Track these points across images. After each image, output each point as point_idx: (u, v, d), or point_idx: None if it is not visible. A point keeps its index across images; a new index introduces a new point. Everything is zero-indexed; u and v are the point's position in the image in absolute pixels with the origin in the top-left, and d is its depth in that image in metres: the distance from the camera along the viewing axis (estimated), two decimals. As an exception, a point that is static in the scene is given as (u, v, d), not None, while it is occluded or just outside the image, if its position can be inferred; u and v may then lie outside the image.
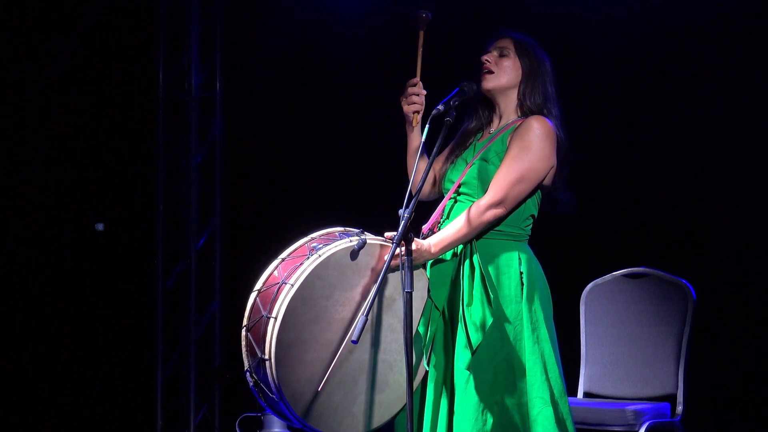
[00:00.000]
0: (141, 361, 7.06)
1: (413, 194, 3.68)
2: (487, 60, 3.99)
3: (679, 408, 4.92)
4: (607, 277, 5.23)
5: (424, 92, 4.03)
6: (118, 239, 7.11)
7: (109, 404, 7.00)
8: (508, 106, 4.02)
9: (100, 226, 7.08)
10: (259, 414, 6.45)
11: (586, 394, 5.14)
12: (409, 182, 3.84)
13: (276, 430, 6.40)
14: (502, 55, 3.99)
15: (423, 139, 3.89)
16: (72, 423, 6.93)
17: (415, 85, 4.03)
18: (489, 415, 3.77)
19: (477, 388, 3.77)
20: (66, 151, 7.04)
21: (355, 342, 3.51)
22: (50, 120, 7.00)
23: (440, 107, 3.87)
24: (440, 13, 6.47)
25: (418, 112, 4.04)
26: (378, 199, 5.14)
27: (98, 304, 7.04)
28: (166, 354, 7.08)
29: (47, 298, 6.96)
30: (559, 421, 3.82)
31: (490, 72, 3.98)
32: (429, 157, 3.90)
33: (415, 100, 4.03)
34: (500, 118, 4.04)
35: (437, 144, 3.85)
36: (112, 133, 7.09)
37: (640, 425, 4.74)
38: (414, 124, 4.05)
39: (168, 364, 7.09)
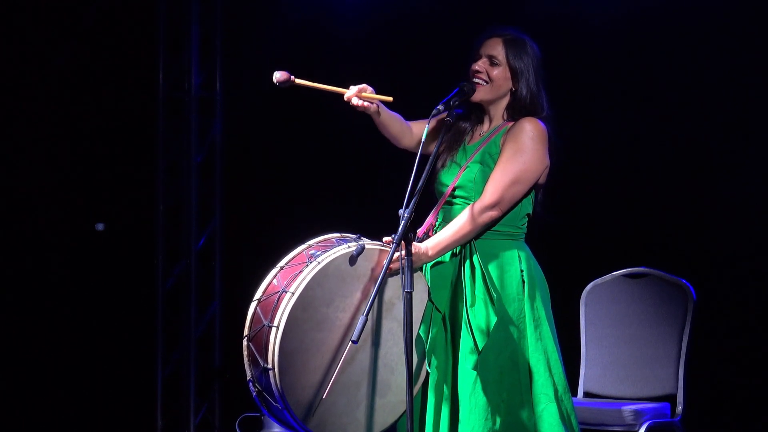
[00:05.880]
0: (141, 361, 7.05)
1: (413, 194, 3.68)
2: (478, 70, 3.97)
3: (679, 408, 4.92)
4: (607, 277, 5.23)
5: (360, 86, 3.92)
6: (118, 239, 7.11)
7: (109, 404, 6.99)
8: (498, 110, 4.02)
9: (100, 226, 7.08)
10: (259, 414, 6.45)
11: (586, 394, 5.15)
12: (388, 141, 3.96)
13: (276, 430, 6.40)
14: (493, 64, 3.97)
15: (423, 139, 3.88)
16: (72, 423, 6.93)
17: (356, 93, 3.91)
18: (497, 414, 3.78)
19: (484, 388, 3.78)
20: (66, 151, 7.04)
21: (355, 342, 3.52)
22: (50, 120, 7.00)
23: (440, 107, 3.88)
24: (440, 12, 6.52)
25: (371, 101, 3.92)
26: (378, 200, 5.15)
27: (98, 304, 7.04)
28: (166, 354, 7.08)
29: (47, 298, 6.96)
30: (564, 416, 3.83)
31: (482, 83, 3.96)
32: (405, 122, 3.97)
33: (362, 102, 3.91)
34: (490, 120, 4.04)
35: (437, 144, 3.87)
36: (112, 133, 7.09)
37: (640, 425, 4.74)
38: (380, 101, 3.95)
39: (168, 364, 7.09)
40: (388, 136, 4.09)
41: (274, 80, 3.87)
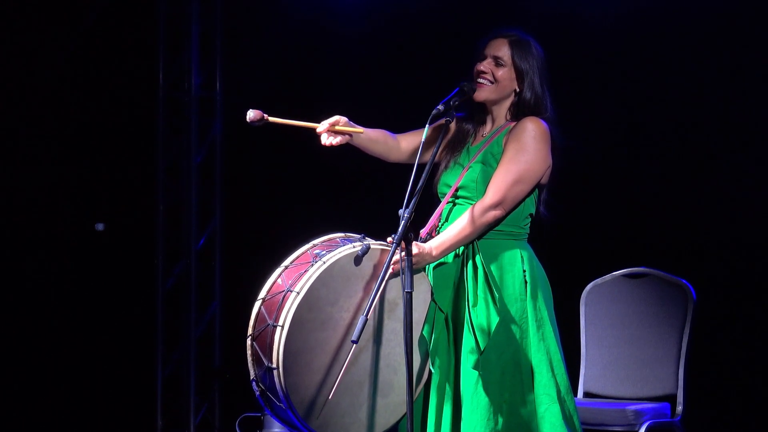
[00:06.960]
0: (141, 361, 7.05)
1: (413, 194, 3.68)
2: (483, 71, 3.97)
3: (679, 408, 4.92)
4: (607, 277, 5.22)
5: (332, 120, 3.90)
6: (118, 239, 7.11)
7: (109, 404, 6.99)
8: (502, 111, 4.01)
9: (100, 226, 7.08)
10: (259, 414, 6.45)
11: (586, 394, 5.14)
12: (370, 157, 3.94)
13: (276, 430, 6.40)
14: (498, 64, 3.97)
15: (423, 140, 3.89)
16: (72, 423, 6.93)
17: (328, 127, 3.87)
18: (499, 414, 3.78)
19: (486, 388, 3.78)
20: (66, 151, 7.04)
21: (354, 342, 3.51)
22: (50, 120, 7.00)
23: (440, 107, 3.87)
24: (440, 12, 6.52)
25: (342, 133, 3.89)
26: (378, 201, 5.14)
27: (98, 304, 7.04)
28: (166, 354, 7.08)
29: (47, 298, 6.96)
30: (566, 417, 3.83)
31: (486, 84, 3.96)
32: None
33: (331, 141, 3.87)
34: (493, 121, 4.03)
35: (437, 145, 3.87)
36: (112, 133, 7.09)
37: (640, 425, 4.74)
38: (351, 132, 3.92)
39: (168, 364, 7.09)
40: (373, 155, 4.09)
41: (247, 119, 3.83)
